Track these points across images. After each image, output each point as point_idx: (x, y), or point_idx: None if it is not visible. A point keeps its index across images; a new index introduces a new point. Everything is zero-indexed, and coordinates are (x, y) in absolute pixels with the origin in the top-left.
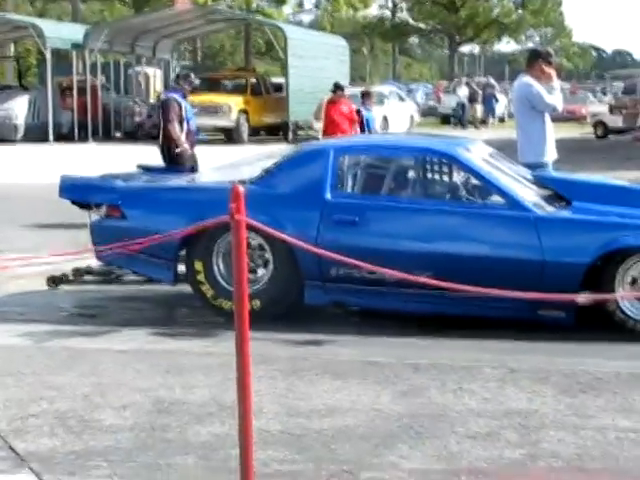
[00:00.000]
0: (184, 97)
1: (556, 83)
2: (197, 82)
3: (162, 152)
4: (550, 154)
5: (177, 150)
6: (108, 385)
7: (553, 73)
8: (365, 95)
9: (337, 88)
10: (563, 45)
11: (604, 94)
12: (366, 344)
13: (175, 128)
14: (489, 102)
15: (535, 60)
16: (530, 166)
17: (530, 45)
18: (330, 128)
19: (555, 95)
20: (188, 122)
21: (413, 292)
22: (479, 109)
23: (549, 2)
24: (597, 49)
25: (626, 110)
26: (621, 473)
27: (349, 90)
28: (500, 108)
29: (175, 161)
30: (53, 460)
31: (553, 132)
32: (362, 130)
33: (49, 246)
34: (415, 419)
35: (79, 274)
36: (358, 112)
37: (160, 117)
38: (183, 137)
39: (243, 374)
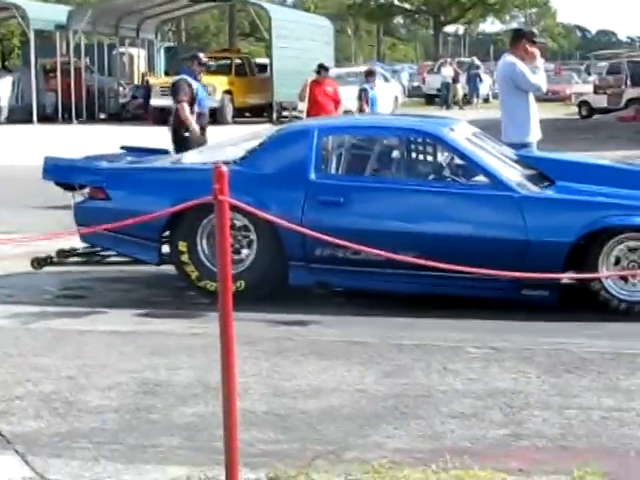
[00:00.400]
0: (196, 78)
1: (540, 63)
2: (205, 60)
3: (172, 134)
4: (534, 134)
5: (185, 133)
6: (93, 366)
7: (537, 53)
8: (369, 74)
9: (321, 69)
10: (547, 25)
11: (588, 74)
12: (351, 324)
13: (185, 110)
14: (474, 82)
15: (519, 40)
16: (514, 146)
17: (514, 25)
18: (314, 109)
19: (539, 75)
20: (200, 104)
21: (398, 272)
22: (461, 89)
23: None
24: (581, 29)
25: (610, 90)
26: (606, 452)
27: (333, 71)
28: (485, 88)
29: (184, 143)
30: (38, 442)
31: (537, 112)
32: (367, 105)
33: (33, 227)
34: (400, 399)
35: (63, 255)
36: (364, 91)
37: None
38: (194, 119)
39: (227, 355)
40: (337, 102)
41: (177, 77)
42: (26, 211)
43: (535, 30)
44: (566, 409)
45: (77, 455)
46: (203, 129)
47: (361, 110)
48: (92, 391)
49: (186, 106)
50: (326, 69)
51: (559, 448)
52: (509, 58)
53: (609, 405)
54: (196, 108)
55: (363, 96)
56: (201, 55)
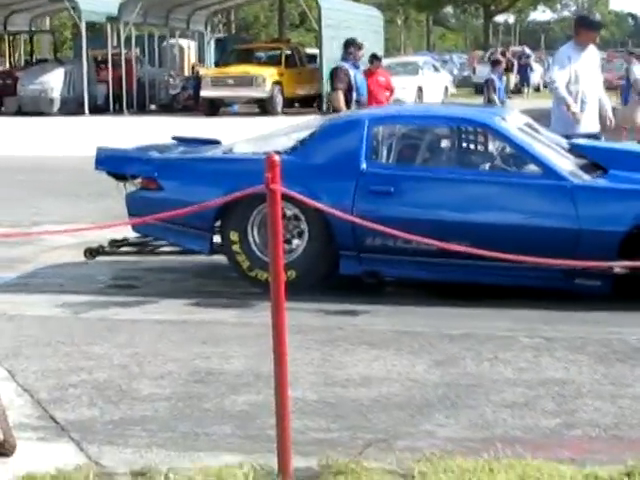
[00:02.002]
0: (356, 66)
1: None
2: (361, 43)
3: None
4: (584, 125)
5: None
6: (145, 355)
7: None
8: (496, 63)
9: (374, 58)
10: (601, 12)
11: None
12: (400, 314)
13: (339, 97)
14: (524, 72)
15: (578, 27)
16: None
17: (566, 13)
18: (368, 99)
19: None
20: (358, 91)
21: (448, 262)
22: (513, 79)
23: None
24: (634, 17)
25: None
26: None
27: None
28: (536, 77)
29: None
30: (92, 429)
31: (595, 103)
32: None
33: (85, 218)
34: (451, 388)
35: (115, 245)
36: (490, 81)
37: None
38: (353, 106)
39: (279, 344)
40: (391, 91)
41: (336, 65)
42: (79, 201)
43: (595, 16)
44: (619, 398)
45: (130, 442)
46: None
47: (490, 100)
48: (144, 379)
49: (341, 94)
50: (379, 59)
51: (612, 437)
52: (565, 46)
53: None
54: (354, 95)
55: (393, 87)
56: (356, 39)
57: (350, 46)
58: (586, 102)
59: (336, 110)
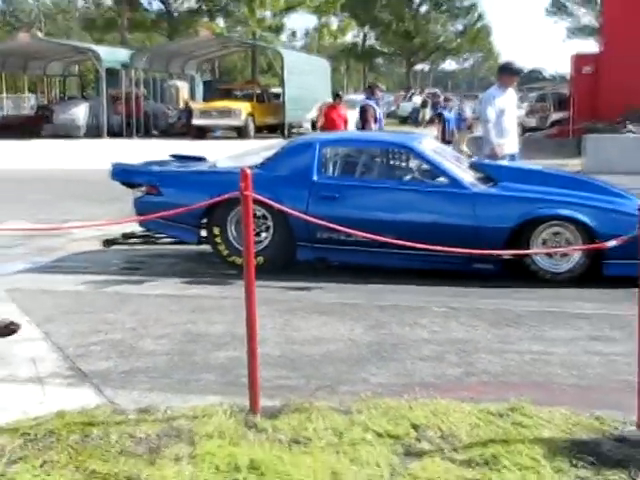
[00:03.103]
0: (377, 103)
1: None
2: (381, 87)
3: None
4: (508, 148)
5: None
6: (148, 321)
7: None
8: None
9: (337, 96)
10: (491, 66)
11: (522, 102)
12: (343, 290)
13: (372, 127)
14: (436, 107)
15: (501, 73)
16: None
17: (466, 65)
18: (330, 126)
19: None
20: (380, 123)
21: (380, 250)
22: (428, 112)
23: (481, 32)
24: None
25: (539, 114)
26: (534, 385)
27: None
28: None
29: None
30: (108, 377)
31: (515, 131)
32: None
33: (103, 216)
34: (380, 346)
35: (126, 237)
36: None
37: (359, 119)
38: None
39: (250, 313)
40: (346, 122)
41: (364, 102)
42: (98, 204)
43: (514, 64)
44: (505, 353)
45: (137, 387)
46: None
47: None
48: (148, 339)
49: (373, 124)
50: (340, 97)
51: (500, 382)
52: (491, 88)
53: (538, 350)
54: (377, 125)
55: (348, 118)
56: (379, 84)
57: (375, 89)
58: (509, 130)
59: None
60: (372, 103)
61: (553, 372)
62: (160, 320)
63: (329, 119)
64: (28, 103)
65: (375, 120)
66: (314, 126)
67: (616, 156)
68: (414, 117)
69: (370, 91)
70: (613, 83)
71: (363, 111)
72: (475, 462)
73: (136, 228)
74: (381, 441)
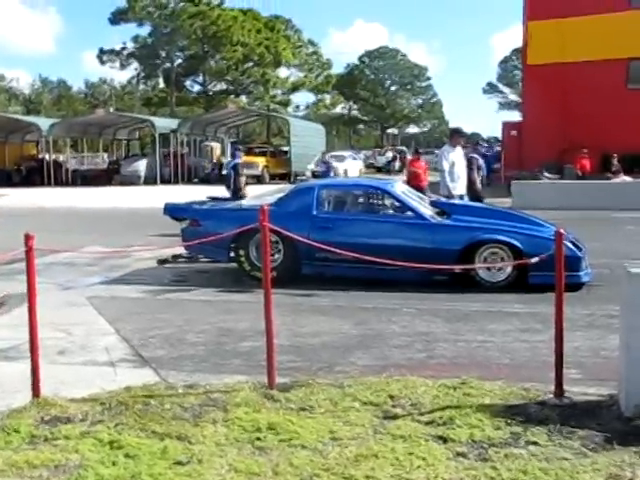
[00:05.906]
0: (455, 148)
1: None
2: (465, 132)
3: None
4: (458, 190)
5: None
6: (191, 320)
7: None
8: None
9: (417, 152)
10: (443, 130)
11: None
12: (336, 296)
13: (445, 174)
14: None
15: (452, 135)
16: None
17: (425, 129)
18: (414, 176)
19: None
20: (483, 170)
21: (364, 267)
22: (397, 164)
23: (436, 105)
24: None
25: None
26: (479, 366)
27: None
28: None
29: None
30: (162, 361)
31: (464, 177)
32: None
33: (158, 242)
34: (364, 338)
35: (175, 258)
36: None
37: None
38: (478, 181)
39: (267, 313)
40: (425, 170)
41: (471, 154)
42: (154, 232)
43: (461, 129)
44: (457, 342)
45: (184, 369)
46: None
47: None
48: (191, 333)
49: (447, 172)
50: (419, 152)
51: (453, 364)
52: (445, 147)
53: (481, 339)
54: (480, 173)
55: (427, 167)
56: (461, 130)
57: (456, 134)
58: (459, 177)
59: (475, 184)
60: (477, 156)
61: (493, 356)
62: (200, 319)
63: (413, 171)
64: (102, 160)
65: (478, 169)
66: (314, 174)
67: (536, 196)
68: (387, 167)
69: (474, 145)
70: (532, 143)
71: (469, 162)
72: (436, 422)
73: (182, 251)
74: (366, 408)
